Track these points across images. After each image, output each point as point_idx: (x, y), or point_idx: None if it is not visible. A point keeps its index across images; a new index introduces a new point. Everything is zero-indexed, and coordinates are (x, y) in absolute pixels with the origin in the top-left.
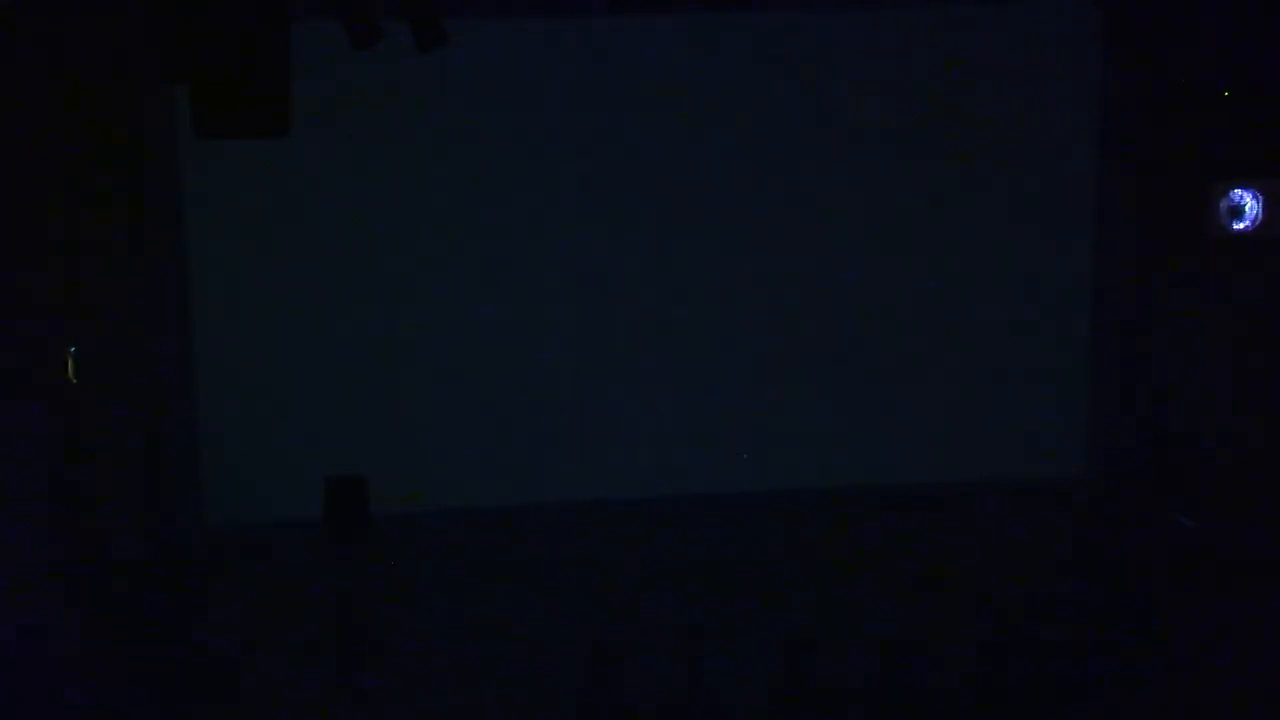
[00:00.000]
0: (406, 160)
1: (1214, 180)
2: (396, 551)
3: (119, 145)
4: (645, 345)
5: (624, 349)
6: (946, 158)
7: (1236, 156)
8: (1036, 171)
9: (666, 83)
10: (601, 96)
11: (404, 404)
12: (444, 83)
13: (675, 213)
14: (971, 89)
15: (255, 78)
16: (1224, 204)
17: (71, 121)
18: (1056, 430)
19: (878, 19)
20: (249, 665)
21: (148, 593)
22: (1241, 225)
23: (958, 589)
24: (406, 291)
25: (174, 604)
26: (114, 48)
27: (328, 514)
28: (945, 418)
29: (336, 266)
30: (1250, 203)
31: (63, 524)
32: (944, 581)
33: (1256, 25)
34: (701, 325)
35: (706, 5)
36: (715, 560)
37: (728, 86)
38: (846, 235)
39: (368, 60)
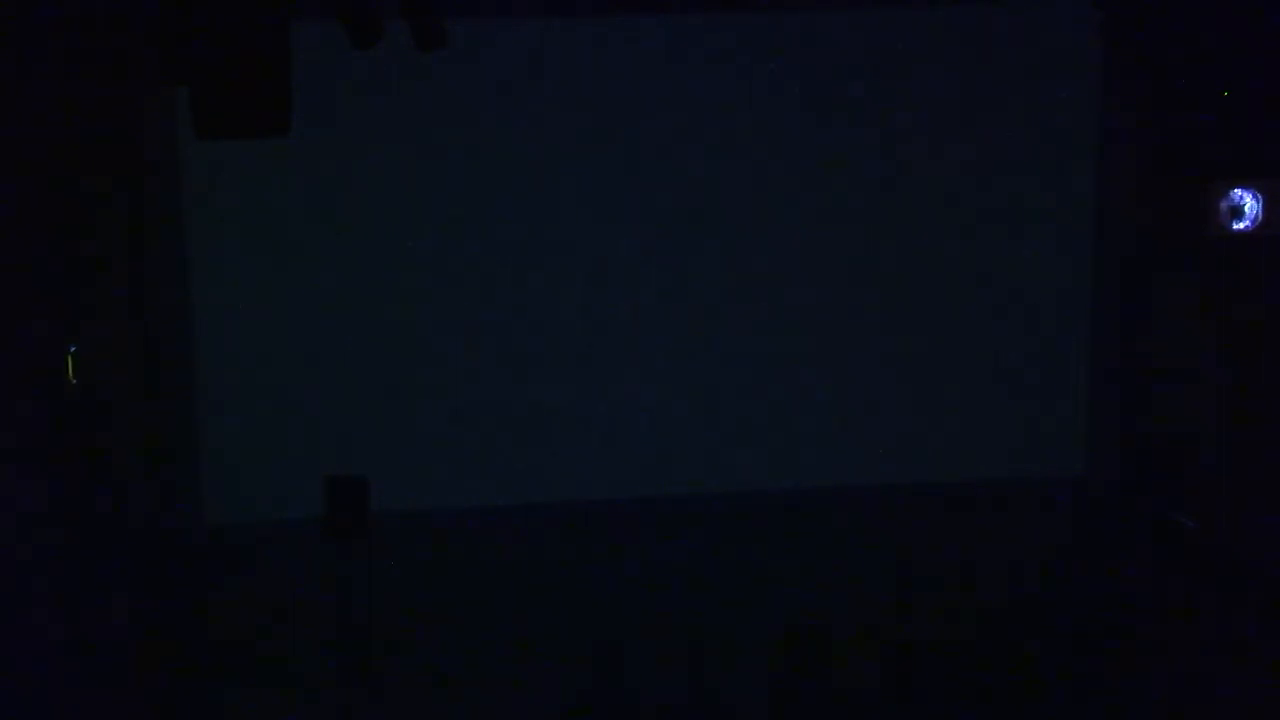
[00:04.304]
0: (406, 160)
1: (1214, 180)
2: (396, 551)
3: (119, 145)
4: (645, 345)
5: (624, 349)
6: (946, 157)
7: (1236, 156)
8: (1036, 171)
9: (666, 83)
10: (601, 96)
11: (404, 404)
12: (444, 83)
13: (675, 213)
14: (972, 89)
15: (255, 78)
16: (1224, 204)
17: (71, 121)
18: (1056, 430)
19: (878, 19)
20: (249, 665)
21: (148, 592)
22: (1241, 225)
23: (957, 589)
24: (406, 291)
25: (174, 604)
26: (114, 48)
27: (328, 514)
28: (945, 418)
29: (336, 266)
30: (1250, 203)
31: (62, 524)
32: (943, 581)
33: (1256, 25)
34: (701, 325)
35: (706, 5)
36: (715, 560)
37: (727, 86)
38: (846, 234)
39: (368, 60)
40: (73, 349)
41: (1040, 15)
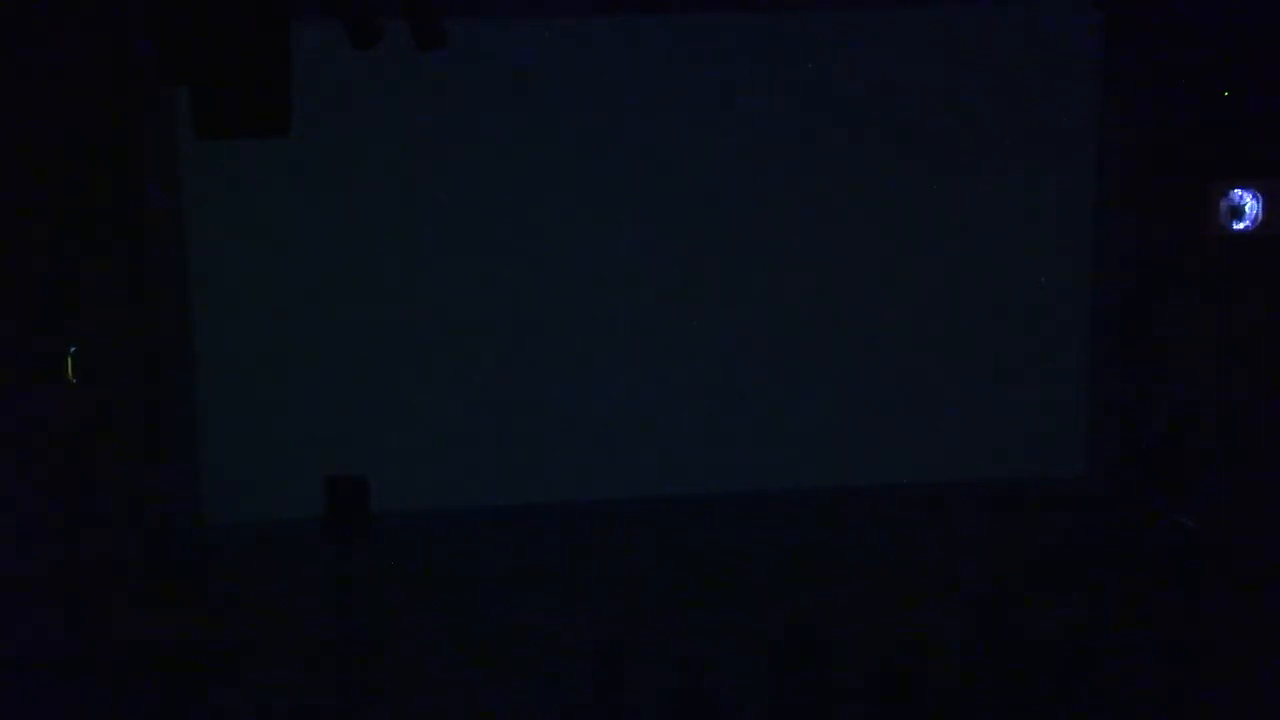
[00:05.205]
0: (406, 160)
1: (1214, 180)
2: (396, 551)
3: (119, 145)
4: (645, 345)
5: (624, 349)
6: (946, 158)
7: (1236, 156)
8: (1036, 171)
9: (666, 83)
10: (600, 96)
11: (404, 404)
12: (444, 83)
13: (675, 213)
14: (971, 89)
15: (255, 78)
16: (1224, 204)
17: (71, 121)
18: (1056, 430)
19: (878, 19)
20: (249, 665)
21: (147, 593)
22: (1241, 225)
23: (957, 589)
24: (406, 291)
25: (174, 604)
26: (114, 48)
27: (328, 514)
28: (945, 418)
29: (336, 266)
30: (1250, 203)
31: (63, 524)
32: (943, 581)
33: (1256, 25)
34: (701, 326)
35: (706, 5)
36: (715, 560)
37: (727, 86)
38: (845, 235)
39: (368, 60)
40: (73, 349)
41: (1040, 15)
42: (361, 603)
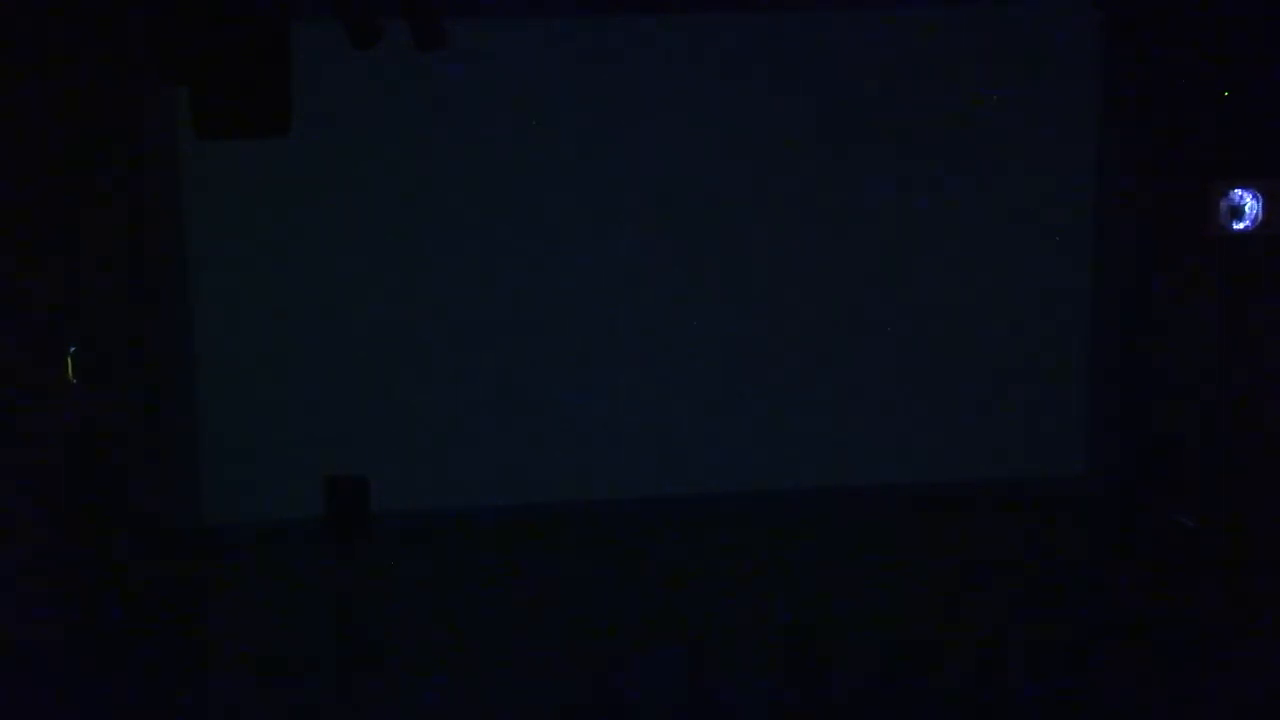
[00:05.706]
0: (406, 160)
1: (1214, 180)
2: (396, 551)
3: (119, 145)
4: (646, 345)
5: (624, 349)
6: (946, 158)
7: (1236, 156)
8: (1036, 171)
9: (666, 83)
10: (601, 96)
11: (404, 404)
12: (444, 82)
13: (675, 213)
14: (972, 89)
15: (255, 78)
16: (1224, 204)
17: (71, 121)
18: (1056, 430)
19: (877, 19)
20: (248, 665)
21: (147, 593)
22: (1241, 225)
23: (957, 589)
24: (407, 291)
25: (173, 604)
26: (114, 48)
27: (328, 514)
28: (945, 418)
29: (336, 266)
30: (1250, 203)
31: (62, 524)
32: (943, 581)
33: (1256, 25)
34: (702, 325)
35: (706, 5)
36: (714, 560)
37: (728, 86)
38: (845, 235)
39: (368, 60)
40: (73, 349)
41: (1040, 15)
42: (361, 602)
